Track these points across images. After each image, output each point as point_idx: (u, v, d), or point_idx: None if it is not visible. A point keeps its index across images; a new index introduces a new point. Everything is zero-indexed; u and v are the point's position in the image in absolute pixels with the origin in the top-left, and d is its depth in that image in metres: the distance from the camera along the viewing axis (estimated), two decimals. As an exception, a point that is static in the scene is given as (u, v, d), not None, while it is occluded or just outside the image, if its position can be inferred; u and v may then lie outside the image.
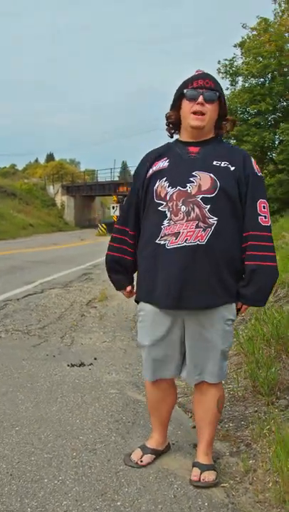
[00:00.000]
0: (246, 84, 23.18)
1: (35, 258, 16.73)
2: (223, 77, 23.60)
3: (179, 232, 2.57)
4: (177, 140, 2.85)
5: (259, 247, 2.62)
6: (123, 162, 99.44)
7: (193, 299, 2.58)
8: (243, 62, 22.94)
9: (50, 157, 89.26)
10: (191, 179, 2.62)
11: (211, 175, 2.60)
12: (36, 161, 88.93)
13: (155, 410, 3.01)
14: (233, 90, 23.69)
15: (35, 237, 34.54)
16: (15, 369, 4.70)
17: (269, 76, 22.65)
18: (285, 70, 22.21)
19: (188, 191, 2.59)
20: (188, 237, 2.55)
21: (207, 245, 2.55)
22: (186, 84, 2.73)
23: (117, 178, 53.02)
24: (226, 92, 23.97)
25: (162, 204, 2.65)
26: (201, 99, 2.67)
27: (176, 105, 2.79)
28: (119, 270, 2.97)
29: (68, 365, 4.87)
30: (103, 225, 44.05)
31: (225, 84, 22.82)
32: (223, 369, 2.75)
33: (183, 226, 2.57)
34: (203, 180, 2.60)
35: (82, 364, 4.92)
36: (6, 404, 3.79)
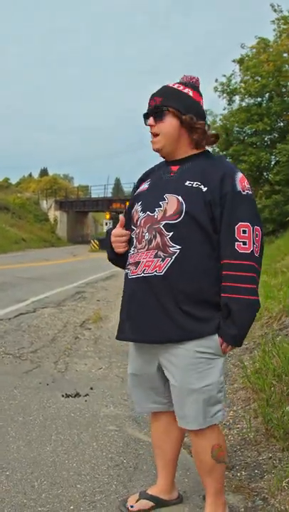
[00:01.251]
0: (243, 104, 23.12)
1: (27, 274, 16.40)
2: (219, 96, 23.54)
3: (140, 262, 2.37)
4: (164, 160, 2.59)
5: (232, 278, 2.27)
6: (116, 179, 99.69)
7: (146, 332, 2.35)
8: (241, 81, 22.89)
9: (43, 172, 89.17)
10: (160, 203, 2.37)
11: (179, 197, 2.33)
12: (30, 175, 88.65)
13: (157, 448, 2.69)
14: (230, 109, 23.62)
15: (28, 251, 34.19)
16: (6, 399, 4.36)
17: (267, 96, 22.60)
18: (283, 90, 22.15)
19: (155, 217, 2.37)
20: (147, 268, 2.33)
21: (164, 276, 2.29)
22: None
23: (110, 195, 53.11)
24: (223, 112, 23.89)
25: (134, 230, 2.48)
26: (150, 121, 2.46)
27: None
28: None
29: (63, 396, 4.54)
30: (95, 241, 43.94)
31: (222, 103, 22.77)
32: (206, 414, 2.35)
33: (143, 255, 2.37)
34: (169, 204, 2.34)
35: (77, 394, 4.60)
36: (-4, 443, 3.45)
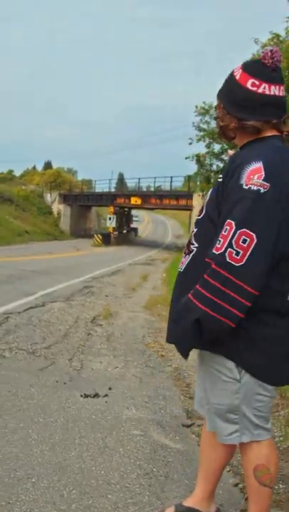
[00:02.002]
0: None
1: (32, 267, 16.23)
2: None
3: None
4: None
5: (200, 279, 2.04)
6: (120, 174, 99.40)
7: (170, 331, 2.24)
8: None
9: (47, 165, 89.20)
10: None
11: (210, 192, 2.22)
12: (34, 168, 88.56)
13: (204, 454, 2.46)
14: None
15: (31, 244, 33.99)
16: (23, 398, 4.18)
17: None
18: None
19: None
20: (181, 264, 2.25)
21: (183, 273, 2.20)
22: None
23: (113, 189, 52.93)
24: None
25: None
26: None
27: None
28: None
29: (82, 396, 4.38)
30: (99, 235, 43.82)
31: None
32: (217, 429, 2.23)
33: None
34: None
35: (96, 395, 4.44)
36: (18, 446, 3.26)
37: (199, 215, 2.21)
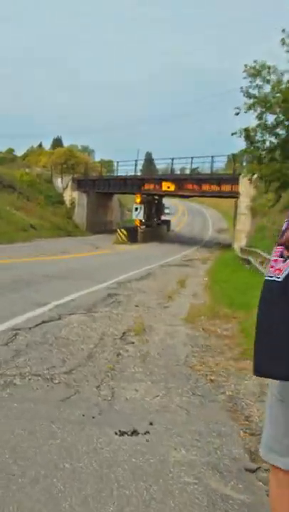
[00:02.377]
0: None
1: (43, 270, 16.37)
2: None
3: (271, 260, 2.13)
4: None
5: None
6: (147, 153, 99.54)
7: (267, 363, 2.07)
8: None
9: (57, 142, 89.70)
10: None
11: None
12: (40, 146, 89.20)
13: (276, 510, 2.39)
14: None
15: (38, 242, 34.29)
16: (43, 438, 4.15)
17: None
18: None
19: None
20: (271, 269, 2.07)
21: (283, 284, 2.02)
22: None
23: (140, 173, 52.94)
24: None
25: None
26: None
27: None
28: None
29: (116, 433, 4.34)
30: (123, 230, 43.81)
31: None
32: None
33: (274, 252, 2.12)
34: None
35: (135, 432, 4.41)
36: (41, 499, 3.22)
37: None
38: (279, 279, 2.05)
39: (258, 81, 23.95)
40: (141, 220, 47.70)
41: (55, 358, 6.50)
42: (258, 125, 24.09)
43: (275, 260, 2.09)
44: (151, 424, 4.61)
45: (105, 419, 4.67)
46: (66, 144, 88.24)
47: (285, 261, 2.07)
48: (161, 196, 54.06)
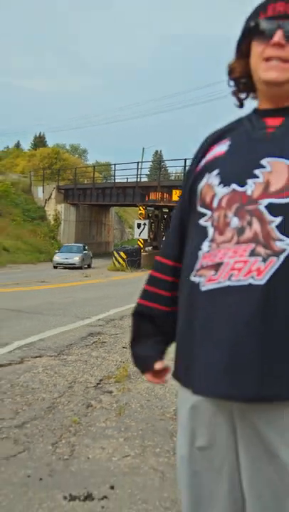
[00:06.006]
0: None
1: (13, 304, 16.54)
2: None
3: (222, 263, 2.20)
4: (254, 110, 2.50)
5: None
6: (156, 153, 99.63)
7: (243, 384, 2.12)
8: None
9: (39, 140, 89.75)
10: (255, 172, 2.26)
11: None
12: (17, 146, 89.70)
13: None
14: None
15: (13, 269, 34.44)
16: (-26, 502, 4.36)
17: None
18: None
19: (248, 193, 2.24)
20: (237, 272, 2.17)
21: (267, 288, 2.13)
22: (256, 12, 2.39)
23: (146, 179, 52.57)
24: None
25: (205, 215, 2.33)
26: (279, 35, 2.28)
27: (242, 49, 2.44)
28: (146, 333, 2.63)
29: (65, 498, 4.52)
30: (121, 253, 43.34)
31: None
32: None
33: (230, 252, 2.20)
34: (275, 174, 2.22)
35: (89, 496, 4.57)
36: None
37: (284, 197, 2.21)
38: (259, 283, 2.15)
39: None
40: (145, 240, 47.63)
41: (6, 409, 6.69)
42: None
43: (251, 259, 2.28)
44: (112, 488, 4.75)
45: (56, 481, 4.84)
46: (51, 142, 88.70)
47: (263, 260, 2.20)
48: (172, 209, 53.76)
